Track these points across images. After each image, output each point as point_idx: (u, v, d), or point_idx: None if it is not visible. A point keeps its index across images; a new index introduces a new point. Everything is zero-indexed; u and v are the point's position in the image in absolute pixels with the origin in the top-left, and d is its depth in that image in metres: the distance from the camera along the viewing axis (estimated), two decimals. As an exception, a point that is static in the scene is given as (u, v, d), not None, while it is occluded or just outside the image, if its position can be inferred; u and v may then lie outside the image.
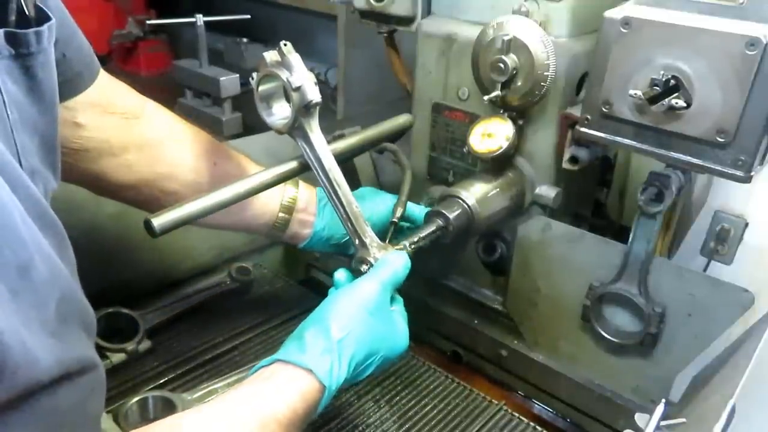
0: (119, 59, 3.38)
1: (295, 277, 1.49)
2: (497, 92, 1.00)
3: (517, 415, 1.07)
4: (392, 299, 0.90)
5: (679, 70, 0.81)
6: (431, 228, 1.00)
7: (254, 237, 1.38)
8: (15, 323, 0.50)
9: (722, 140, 0.80)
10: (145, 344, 1.13)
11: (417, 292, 0.99)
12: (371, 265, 0.90)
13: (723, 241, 1.35)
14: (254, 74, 0.89)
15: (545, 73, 0.98)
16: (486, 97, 1.01)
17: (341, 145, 1.01)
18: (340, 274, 0.92)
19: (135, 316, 1.16)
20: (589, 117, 0.92)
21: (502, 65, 0.98)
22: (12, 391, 0.50)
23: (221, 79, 2.36)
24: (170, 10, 3.29)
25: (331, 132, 1.27)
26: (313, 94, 0.86)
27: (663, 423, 0.78)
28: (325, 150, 0.91)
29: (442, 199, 1.05)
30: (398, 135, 1.14)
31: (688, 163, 0.85)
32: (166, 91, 2.63)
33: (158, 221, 0.79)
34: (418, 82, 1.21)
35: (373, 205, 1.08)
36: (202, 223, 0.94)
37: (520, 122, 1.06)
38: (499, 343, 1.22)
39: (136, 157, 0.96)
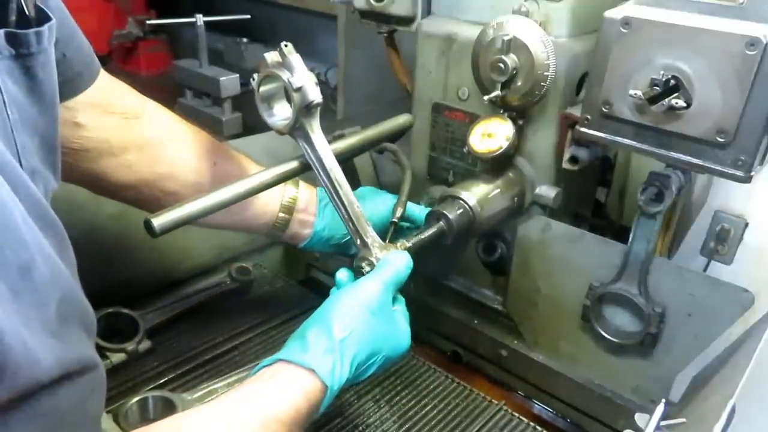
0: (119, 59, 3.38)
1: (295, 277, 1.49)
2: (497, 92, 1.00)
3: (517, 415, 1.07)
4: (394, 299, 0.90)
5: (679, 70, 0.81)
6: (432, 228, 1.00)
7: (254, 237, 1.38)
8: (16, 323, 0.50)
9: (722, 140, 0.81)
10: (145, 344, 1.13)
11: (417, 292, 0.99)
12: (373, 265, 0.90)
13: (723, 241, 1.35)
14: (255, 75, 0.89)
15: (545, 73, 0.98)
16: (486, 97, 1.02)
17: (341, 145, 1.01)
18: (342, 274, 0.92)
19: (135, 316, 1.16)
20: (589, 117, 0.92)
21: (502, 65, 0.98)
22: (13, 392, 0.50)
23: (221, 79, 2.36)
24: (170, 10, 3.29)
25: (331, 132, 1.27)
26: (314, 95, 0.86)
27: (663, 423, 0.78)
28: (326, 150, 0.91)
29: (443, 200, 1.05)
30: (398, 135, 1.14)
31: (688, 163, 0.85)
32: (166, 91, 2.63)
33: (158, 221, 0.79)
34: (418, 82, 1.21)
35: (373, 205, 1.08)
36: (202, 223, 0.94)
37: (520, 122, 1.07)
38: (499, 343, 1.22)
39: (136, 157, 0.96)
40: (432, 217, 1.02)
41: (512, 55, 0.98)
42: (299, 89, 0.85)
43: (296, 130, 0.90)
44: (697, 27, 0.79)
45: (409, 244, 0.95)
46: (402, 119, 1.13)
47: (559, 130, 1.04)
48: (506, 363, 1.22)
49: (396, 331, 0.87)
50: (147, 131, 0.98)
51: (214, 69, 2.48)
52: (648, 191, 0.95)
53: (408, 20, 1.19)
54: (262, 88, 0.90)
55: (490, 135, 1.05)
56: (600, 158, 1.10)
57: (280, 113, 0.92)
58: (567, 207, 1.14)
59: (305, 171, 0.95)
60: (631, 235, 0.99)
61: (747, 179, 0.81)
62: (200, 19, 2.44)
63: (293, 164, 0.94)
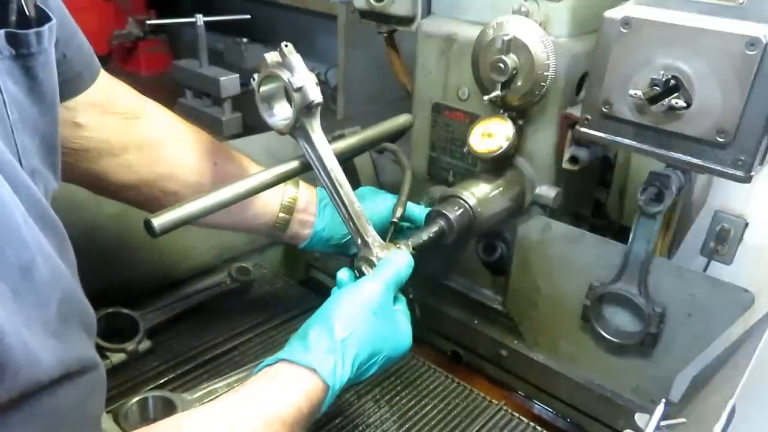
0: (119, 59, 3.38)
1: (295, 277, 1.49)
2: (497, 92, 1.00)
3: (517, 415, 1.07)
4: (395, 299, 0.90)
5: (679, 70, 0.81)
6: (433, 228, 1.00)
7: (254, 237, 1.38)
8: (17, 324, 0.50)
9: (722, 140, 0.81)
10: (145, 344, 1.13)
11: (417, 292, 0.99)
12: (374, 265, 0.90)
13: (723, 241, 1.35)
14: (255, 75, 0.89)
15: (545, 73, 0.98)
16: (486, 97, 1.02)
17: (341, 145, 1.01)
18: (343, 274, 0.92)
19: (135, 316, 1.16)
20: (589, 117, 0.92)
21: (502, 65, 0.98)
22: (13, 391, 0.50)
23: (221, 79, 2.36)
24: (170, 10, 3.29)
25: (331, 132, 1.26)
26: (315, 95, 0.86)
27: (663, 423, 0.78)
28: (326, 150, 0.91)
29: (443, 200, 1.05)
30: (398, 135, 1.14)
31: (688, 163, 0.85)
32: (166, 91, 2.63)
33: (158, 221, 0.79)
34: (418, 82, 1.21)
35: (373, 205, 1.08)
36: (203, 223, 0.94)
37: (520, 122, 1.07)
38: (499, 343, 1.22)
39: (137, 158, 0.96)
40: (432, 217, 1.02)
41: (512, 55, 0.98)
42: (300, 89, 0.85)
43: (296, 130, 0.90)
44: (697, 27, 0.79)
45: (410, 244, 0.95)
46: (402, 119, 1.13)
47: (559, 130, 1.04)
48: (506, 363, 1.22)
49: (397, 330, 0.87)
50: (147, 131, 0.98)
51: (214, 69, 2.48)
52: (648, 191, 0.95)
53: (408, 20, 1.19)
54: (262, 88, 0.90)
55: (490, 135, 1.05)
56: (600, 158, 1.10)
57: (281, 113, 0.92)
58: (567, 207, 1.14)
59: (305, 171, 0.95)
60: (631, 235, 0.99)
61: (747, 179, 0.81)
62: (200, 19, 2.44)
63: (293, 164, 0.94)
